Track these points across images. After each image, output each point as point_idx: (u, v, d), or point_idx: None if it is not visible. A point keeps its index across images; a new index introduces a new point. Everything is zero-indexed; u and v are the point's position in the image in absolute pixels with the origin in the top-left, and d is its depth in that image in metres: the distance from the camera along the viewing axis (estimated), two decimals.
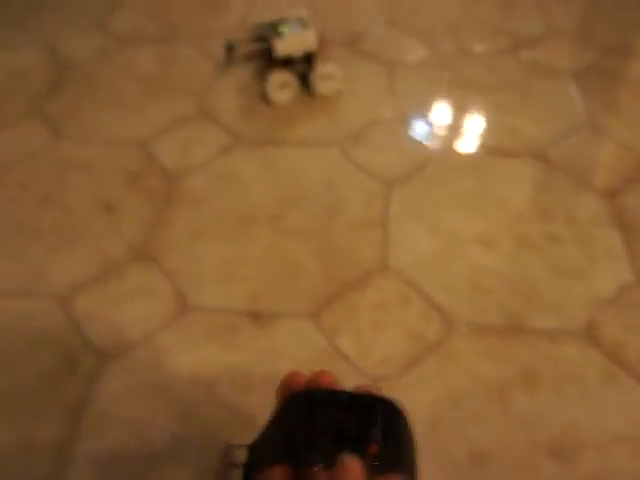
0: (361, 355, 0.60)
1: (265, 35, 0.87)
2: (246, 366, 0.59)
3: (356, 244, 0.69)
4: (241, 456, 0.28)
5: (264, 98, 0.88)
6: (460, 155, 0.80)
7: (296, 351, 0.60)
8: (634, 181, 0.76)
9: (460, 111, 0.87)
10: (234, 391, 0.57)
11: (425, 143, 0.82)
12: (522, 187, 0.76)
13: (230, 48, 0.92)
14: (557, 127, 0.84)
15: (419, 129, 0.84)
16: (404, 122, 0.85)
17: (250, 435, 0.29)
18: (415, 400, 0.56)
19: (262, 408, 0.32)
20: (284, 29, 0.85)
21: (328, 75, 0.87)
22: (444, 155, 0.80)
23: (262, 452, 0.28)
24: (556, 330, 0.62)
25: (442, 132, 0.83)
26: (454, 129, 0.84)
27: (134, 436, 0.54)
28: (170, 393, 0.57)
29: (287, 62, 0.86)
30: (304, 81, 0.88)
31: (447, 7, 1.08)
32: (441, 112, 0.87)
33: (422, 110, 0.87)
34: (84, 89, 0.95)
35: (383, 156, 0.79)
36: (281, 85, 0.86)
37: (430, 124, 0.84)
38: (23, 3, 1.18)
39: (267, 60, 0.88)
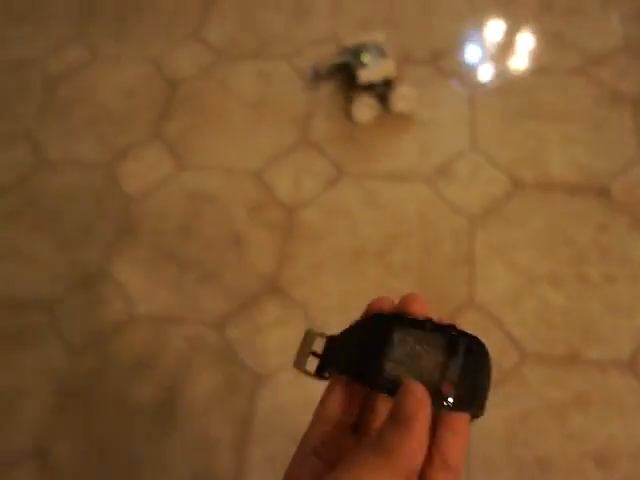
0: None
1: (348, 61, 0.99)
2: None
3: (448, 280, 0.87)
4: (318, 344, 0.29)
5: (349, 117, 1.01)
6: (532, 190, 0.94)
7: None
8: None
9: (533, 144, 0.99)
10: None
11: (502, 178, 0.96)
12: (585, 225, 0.91)
13: (317, 73, 1.04)
14: (621, 162, 0.96)
15: (496, 162, 0.97)
16: (484, 155, 0.98)
17: None
18: (493, 416, 0.77)
19: None
20: (366, 58, 0.97)
21: (403, 96, 1.00)
22: (518, 192, 0.94)
23: (336, 355, 0.28)
24: (605, 361, 0.80)
25: (517, 167, 0.97)
26: (527, 164, 0.97)
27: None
28: None
29: (368, 86, 0.99)
30: (383, 101, 1.00)
31: (518, 19, 1.15)
32: (514, 144, 0.99)
33: (499, 141, 1.00)
34: (194, 111, 1.09)
35: (467, 192, 0.94)
36: (364, 107, 0.99)
37: (506, 157, 0.98)
38: (118, 8, 1.27)
39: (349, 82, 1.00)
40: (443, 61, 1.11)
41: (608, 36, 1.12)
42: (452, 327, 0.27)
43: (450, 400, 0.25)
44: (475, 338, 0.28)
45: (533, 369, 0.80)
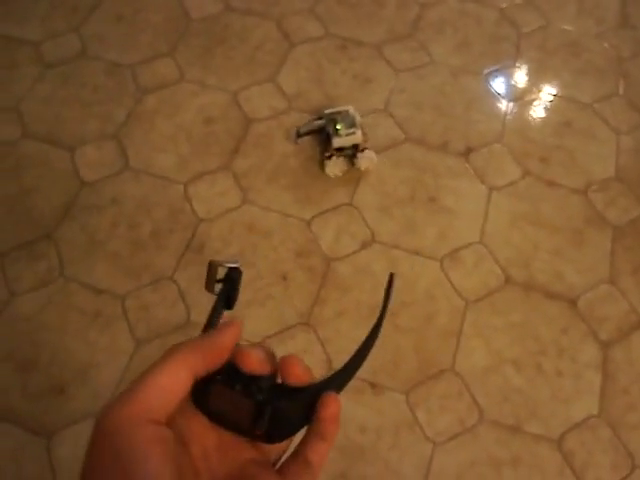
0: (429, 423, 1.09)
1: (324, 126, 1.27)
2: (359, 417, 1.08)
3: (438, 346, 1.15)
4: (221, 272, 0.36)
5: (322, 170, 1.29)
6: (519, 288, 1.22)
7: (391, 416, 1.08)
8: (624, 339, 1.19)
9: (528, 249, 1.26)
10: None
11: (498, 272, 1.23)
12: (552, 326, 1.19)
13: (298, 133, 1.30)
14: (592, 279, 1.24)
15: (497, 258, 1.24)
16: (488, 249, 1.25)
17: None
18: (451, 458, 1.06)
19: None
20: (340, 126, 1.24)
21: (367, 158, 1.28)
22: (508, 287, 1.22)
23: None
24: (540, 436, 1.09)
25: (511, 265, 1.24)
26: (520, 264, 1.24)
27: None
28: None
29: (340, 148, 1.26)
30: (351, 160, 1.29)
31: (541, 133, 1.42)
32: (514, 244, 1.27)
33: (502, 240, 1.27)
34: (262, 152, 1.33)
35: (468, 278, 1.21)
36: (336, 165, 1.27)
37: (505, 255, 1.25)
38: (208, 35, 1.50)
39: (324, 143, 1.28)
40: (473, 156, 1.36)
41: (609, 164, 1.39)
42: (268, 390, 0.31)
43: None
44: (284, 401, 0.31)
45: (487, 430, 1.09)
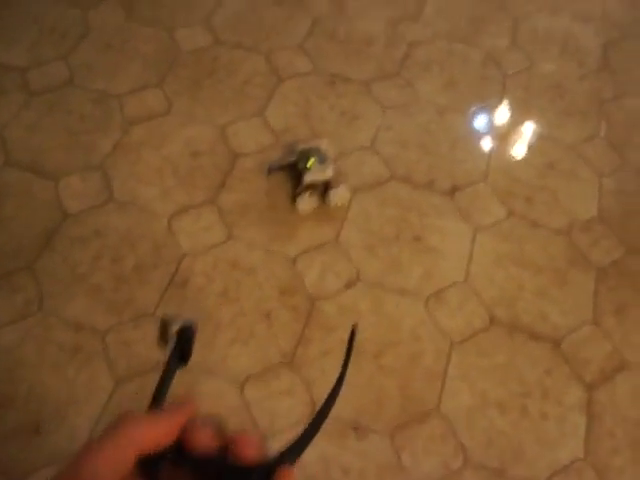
0: (414, 467, 1.07)
1: (296, 162, 1.27)
2: (343, 460, 1.06)
3: (423, 388, 1.14)
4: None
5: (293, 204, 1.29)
6: (503, 329, 1.22)
7: (374, 459, 1.07)
8: (609, 380, 1.20)
9: (512, 289, 1.27)
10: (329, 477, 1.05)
11: (483, 313, 1.23)
12: (536, 367, 1.19)
13: (271, 168, 1.31)
14: (576, 320, 1.25)
15: (481, 298, 1.25)
16: (473, 290, 1.26)
17: None
18: None
19: None
20: (312, 161, 1.24)
21: (338, 194, 1.29)
22: (493, 328, 1.22)
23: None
24: (525, 479, 1.09)
25: (496, 306, 1.25)
26: (504, 305, 1.25)
27: None
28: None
29: (311, 184, 1.26)
30: (322, 196, 1.29)
31: (526, 173, 1.44)
32: (498, 285, 1.27)
33: (487, 280, 1.27)
34: (247, 188, 1.33)
35: (453, 319, 1.22)
36: (307, 202, 1.27)
37: (489, 295, 1.26)
38: (196, 68, 1.51)
39: (296, 178, 1.28)
40: (458, 195, 1.38)
41: (592, 205, 1.42)
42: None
43: None
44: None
45: (472, 474, 1.08)
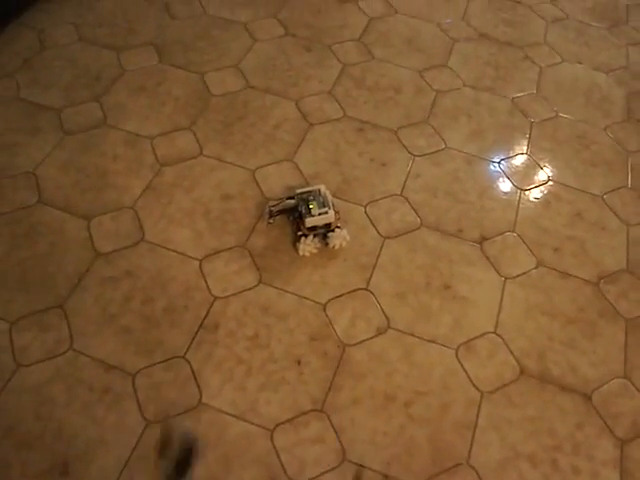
0: None
1: (298, 205, 1.33)
2: None
3: (453, 438, 1.16)
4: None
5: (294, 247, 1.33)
6: (533, 380, 1.24)
7: None
8: None
9: (542, 340, 1.30)
10: None
11: (513, 363, 1.26)
12: (567, 420, 1.21)
13: (271, 212, 1.36)
14: (606, 373, 1.27)
15: (511, 349, 1.27)
16: (503, 340, 1.28)
17: None
18: None
19: None
20: (313, 205, 1.31)
21: (339, 237, 1.34)
22: (523, 379, 1.24)
23: None
24: None
25: (526, 357, 1.27)
26: (534, 356, 1.27)
27: None
28: None
29: (312, 227, 1.32)
30: (323, 239, 1.35)
31: (554, 223, 1.48)
32: (528, 335, 1.30)
33: (517, 330, 1.30)
34: (280, 234, 1.37)
35: (483, 369, 1.24)
36: (308, 245, 1.32)
37: (519, 346, 1.28)
38: (227, 112, 1.57)
39: (296, 221, 1.34)
40: (487, 244, 1.41)
41: (620, 256, 1.45)
42: None
43: None
44: None
45: None
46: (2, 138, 1.54)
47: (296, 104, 1.66)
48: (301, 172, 1.50)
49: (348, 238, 1.36)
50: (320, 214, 1.31)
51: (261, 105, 1.65)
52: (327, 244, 1.35)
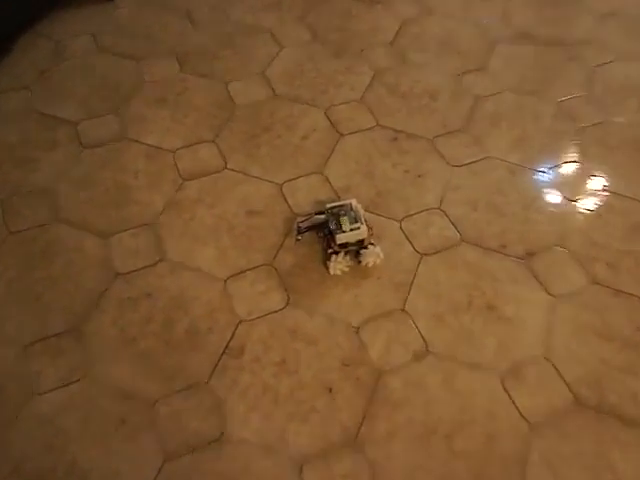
0: None
1: (327, 220, 1.30)
2: None
3: (501, 475, 1.11)
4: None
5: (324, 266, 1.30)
6: (589, 411, 1.19)
7: None
8: None
9: (597, 365, 1.24)
10: None
11: (565, 392, 1.20)
12: (629, 457, 1.15)
13: (299, 228, 1.33)
14: None
15: (563, 375, 1.22)
16: (553, 365, 1.23)
17: None
18: None
19: None
20: (344, 220, 1.28)
21: (373, 254, 1.30)
22: (577, 409, 1.19)
23: None
24: None
25: (579, 384, 1.21)
26: (589, 384, 1.22)
27: None
28: None
29: (343, 244, 1.29)
30: (356, 256, 1.32)
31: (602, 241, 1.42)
32: (581, 360, 1.24)
33: (568, 355, 1.25)
34: (309, 252, 1.35)
35: (532, 398, 1.19)
36: (340, 264, 1.29)
37: (572, 372, 1.23)
38: (251, 125, 1.56)
39: (326, 238, 1.31)
40: (534, 260, 1.37)
41: None
42: None
43: None
44: None
45: None
46: (17, 152, 1.55)
47: (325, 113, 1.64)
48: (331, 185, 1.47)
49: (382, 255, 1.32)
50: (352, 230, 1.29)
51: (288, 115, 1.64)
52: (360, 262, 1.32)
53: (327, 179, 1.48)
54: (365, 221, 1.31)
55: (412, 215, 1.43)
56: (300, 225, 1.35)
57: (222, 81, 1.73)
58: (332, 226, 1.30)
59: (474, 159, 1.55)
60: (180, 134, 1.59)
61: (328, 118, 1.63)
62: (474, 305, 1.29)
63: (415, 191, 1.48)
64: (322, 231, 1.34)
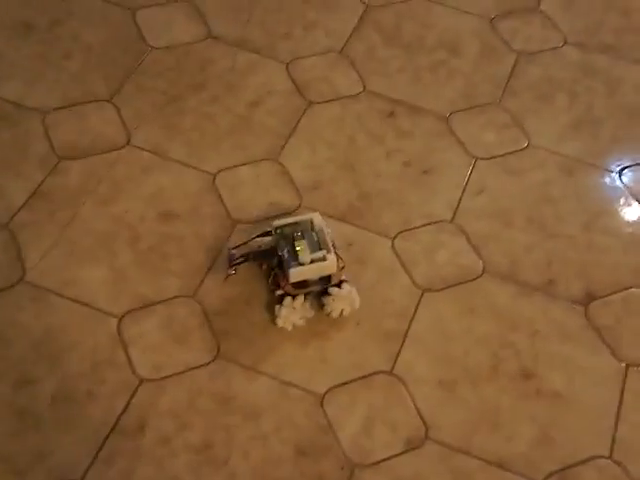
0: None
1: (276, 246, 1.29)
2: None
3: None
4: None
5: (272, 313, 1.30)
6: None
7: None
8: None
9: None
10: None
11: None
12: None
13: (234, 259, 1.33)
14: None
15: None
16: (626, 468, 1.25)
17: None
18: None
19: None
20: (301, 246, 1.26)
21: (344, 298, 1.31)
22: None
23: None
24: None
25: None
26: None
27: None
28: None
29: (300, 283, 1.28)
30: (319, 299, 1.33)
31: None
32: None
33: None
34: (251, 286, 1.36)
35: None
36: (292, 311, 1.30)
37: None
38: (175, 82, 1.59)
39: (274, 272, 1.31)
40: (597, 306, 1.40)
41: None
42: None
43: None
44: None
45: None
46: None
47: (287, 68, 1.67)
48: (291, 179, 1.50)
49: (358, 302, 1.34)
50: (313, 261, 1.27)
51: (229, 68, 1.66)
52: (324, 309, 1.33)
53: (285, 169, 1.51)
54: (334, 247, 1.30)
55: (412, 230, 1.46)
56: (233, 252, 1.36)
57: (128, 6, 1.74)
58: (283, 255, 1.29)
59: (510, 149, 1.60)
60: (56, 85, 1.60)
61: (291, 77, 1.66)
62: (502, 371, 1.32)
63: (418, 194, 1.51)
64: (268, 261, 1.34)
